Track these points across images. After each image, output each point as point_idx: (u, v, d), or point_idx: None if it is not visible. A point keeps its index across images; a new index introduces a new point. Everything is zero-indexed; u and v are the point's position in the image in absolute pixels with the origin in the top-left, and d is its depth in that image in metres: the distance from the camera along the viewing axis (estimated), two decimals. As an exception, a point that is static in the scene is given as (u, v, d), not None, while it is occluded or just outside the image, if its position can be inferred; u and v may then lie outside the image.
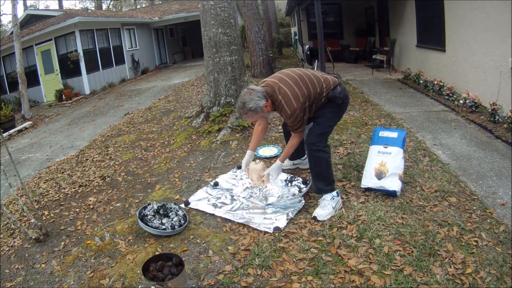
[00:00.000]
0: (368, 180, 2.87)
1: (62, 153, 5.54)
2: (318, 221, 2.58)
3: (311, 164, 2.71)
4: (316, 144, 2.63)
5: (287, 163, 3.47)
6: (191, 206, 2.99)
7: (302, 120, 2.55)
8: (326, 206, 2.64)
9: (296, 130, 2.61)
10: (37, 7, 25.12)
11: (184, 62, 17.36)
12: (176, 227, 2.63)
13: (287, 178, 3.25)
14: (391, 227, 2.42)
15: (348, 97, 2.77)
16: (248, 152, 2.92)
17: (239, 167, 3.59)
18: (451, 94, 5.54)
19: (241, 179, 3.35)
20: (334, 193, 2.69)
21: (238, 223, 2.67)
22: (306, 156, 3.41)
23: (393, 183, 2.76)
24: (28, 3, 24.49)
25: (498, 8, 4.39)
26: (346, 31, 12.52)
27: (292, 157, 3.39)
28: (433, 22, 6.45)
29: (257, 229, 2.56)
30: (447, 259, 2.09)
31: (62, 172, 4.46)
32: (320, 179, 2.68)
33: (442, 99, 5.65)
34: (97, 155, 4.85)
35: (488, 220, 2.45)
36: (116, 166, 4.29)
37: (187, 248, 2.46)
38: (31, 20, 13.19)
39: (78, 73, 11.38)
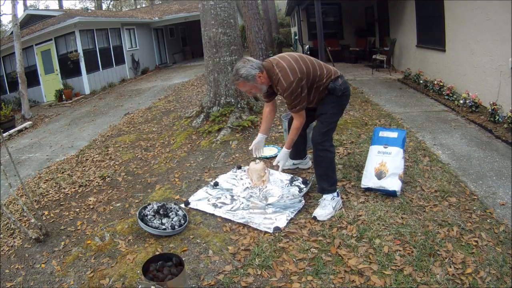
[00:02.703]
0: (368, 180, 2.87)
1: (62, 153, 5.54)
2: (318, 221, 2.58)
3: (316, 164, 2.71)
4: (322, 144, 2.63)
5: (288, 162, 3.46)
6: (191, 206, 2.99)
7: (300, 97, 2.50)
8: (326, 206, 2.64)
9: (294, 108, 2.56)
10: (37, 7, 25.15)
11: (184, 62, 17.36)
12: (176, 227, 2.63)
13: (287, 178, 3.25)
14: (391, 227, 2.42)
15: (349, 90, 2.74)
16: (259, 135, 2.93)
17: (239, 167, 3.59)
18: (451, 94, 5.54)
19: (241, 179, 3.35)
20: (335, 193, 2.69)
21: (238, 223, 2.67)
22: (307, 156, 3.42)
23: (393, 183, 2.76)
24: (28, 3, 24.51)
25: (498, 8, 4.39)
26: (346, 31, 12.52)
27: (294, 156, 3.38)
28: (433, 22, 6.45)
29: (257, 229, 2.56)
30: (447, 259, 2.09)
31: (62, 172, 4.46)
32: (325, 178, 2.68)
33: (442, 99, 5.66)
34: (97, 155, 4.85)
35: (488, 220, 2.45)
36: (116, 166, 4.29)
37: (187, 248, 2.46)
38: (31, 20, 13.19)
39: (78, 73, 11.37)
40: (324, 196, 2.69)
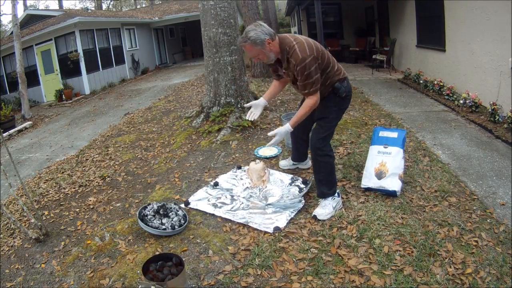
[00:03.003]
0: (368, 180, 2.87)
1: (62, 153, 5.54)
2: (318, 220, 2.58)
3: (316, 169, 2.67)
4: (322, 149, 2.58)
5: (287, 162, 3.47)
6: (191, 206, 2.99)
7: (313, 77, 2.36)
8: (327, 206, 2.63)
9: (306, 90, 2.41)
10: (37, 7, 25.15)
11: (184, 62, 17.36)
12: (176, 227, 2.63)
13: (287, 178, 3.25)
14: (391, 227, 2.42)
15: (351, 93, 2.71)
16: (261, 99, 2.77)
17: (239, 167, 3.59)
18: (451, 94, 5.54)
19: (241, 179, 3.35)
20: (335, 194, 2.69)
21: (238, 223, 2.67)
22: (308, 158, 3.42)
23: (393, 183, 2.76)
24: (28, 3, 24.52)
25: (498, 8, 4.39)
26: (346, 31, 12.52)
27: (294, 158, 3.38)
28: (433, 22, 6.45)
29: (257, 229, 2.56)
30: (447, 259, 2.09)
31: (62, 172, 4.46)
32: (324, 183, 2.65)
33: (442, 99, 5.66)
34: (97, 155, 4.85)
35: (488, 220, 2.45)
36: (116, 166, 4.29)
37: (187, 248, 2.46)
38: (31, 20, 13.19)
39: (78, 73, 11.37)
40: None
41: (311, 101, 2.46)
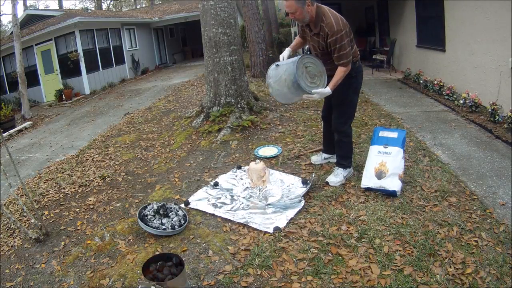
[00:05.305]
0: (368, 180, 2.87)
1: (62, 153, 5.54)
2: (330, 186, 3.00)
3: (339, 147, 3.06)
4: (344, 131, 2.95)
5: (319, 158, 3.49)
6: (191, 206, 2.99)
7: (346, 49, 2.59)
8: (339, 175, 3.05)
9: (340, 60, 2.62)
10: (37, 7, 25.15)
11: (184, 62, 17.35)
12: (176, 227, 2.63)
13: (288, 178, 3.25)
14: (391, 227, 2.42)
15: (362, 75, 2.95)
16: (287, 49, 3.01)
17: (239, 167, 3.59)
18: (451, 94, 5.54)
19: (241, 179, 3.35)
20: None
21: (238, 223, 2.67)
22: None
23: (393, 183, 2.76)
24: (28, 3, 24.50)
25: (498, 8, 4.39)
26: (346, 31, 12.50)
27: (326, 149, 3.43)
28: (433, 22, 6.45)
29: (257, 229, 2.56)
30: (447, 259, 2.09)
31: (62, 172, 4.46)
32: (344, 158, 3.08)
33: (442, 99, 5.66)
34: (97, 155, 4.85)
35: (488, 220, 2.45)
36: (116, 166, 4.29)
37: (187, 248, 2.46)
38: (31, 20, 13.17)
39: (78, 73, 11.36)
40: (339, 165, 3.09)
41: (344, 69, 2.66)
